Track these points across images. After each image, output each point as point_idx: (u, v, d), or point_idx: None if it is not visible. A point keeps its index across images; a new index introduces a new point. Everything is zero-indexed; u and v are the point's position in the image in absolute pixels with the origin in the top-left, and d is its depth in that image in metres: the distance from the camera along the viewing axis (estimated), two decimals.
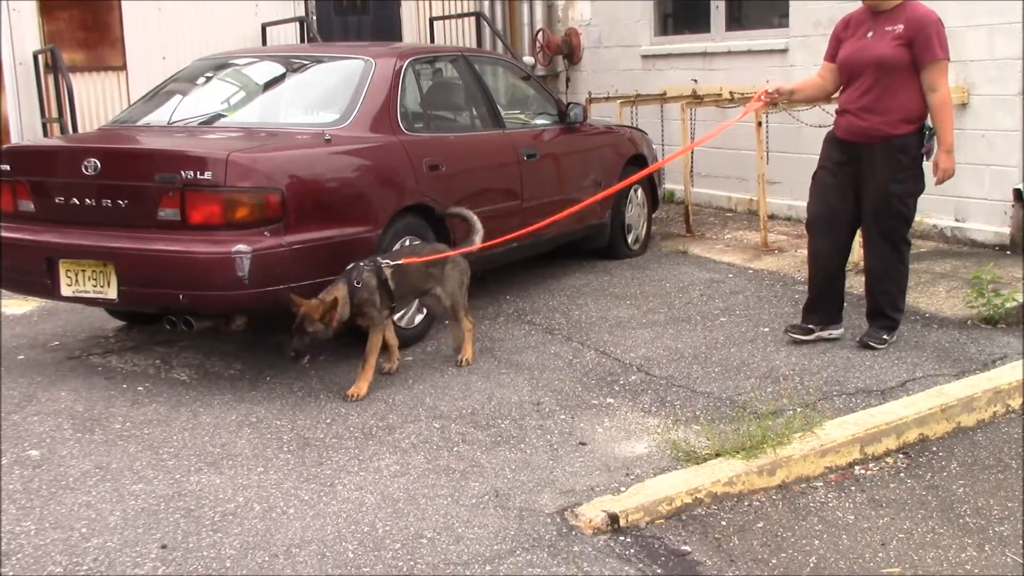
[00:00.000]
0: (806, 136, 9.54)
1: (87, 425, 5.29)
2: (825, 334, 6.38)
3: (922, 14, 5.90)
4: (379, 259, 5.79)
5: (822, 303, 6.38)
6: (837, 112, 6.22)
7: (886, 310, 6.25)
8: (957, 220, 8.78)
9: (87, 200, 5.89)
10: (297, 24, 11.87)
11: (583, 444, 5.00)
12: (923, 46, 5.82)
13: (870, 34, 5.99)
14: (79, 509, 4.36)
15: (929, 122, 5.95)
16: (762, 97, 6.28)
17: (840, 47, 6.16)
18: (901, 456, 4.95)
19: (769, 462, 4.62)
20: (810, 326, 6.40)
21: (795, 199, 10.04)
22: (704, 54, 11.07)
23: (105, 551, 4.01)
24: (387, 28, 12.82)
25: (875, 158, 5.98)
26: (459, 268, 6.21)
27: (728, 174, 10.82)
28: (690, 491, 4.42)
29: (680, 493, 4.40)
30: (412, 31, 12.97)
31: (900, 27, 5.87)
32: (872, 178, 6.00)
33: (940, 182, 6.07)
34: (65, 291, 5.95)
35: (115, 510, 4.34)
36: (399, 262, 5.80)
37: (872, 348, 6.20)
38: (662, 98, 10.80)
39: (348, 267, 5.71)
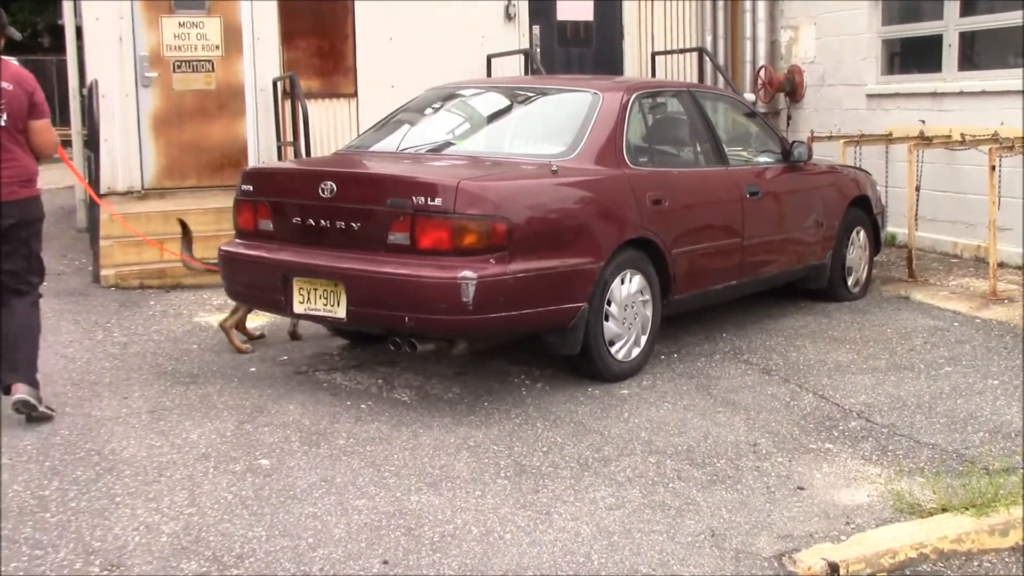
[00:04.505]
0: None
1: (313, 439, 5.49)
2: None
3: None
4: None
5: None
6: None
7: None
8: None
9: (322, 221, 6.12)
10: (521, 56, 12.07)
11: (801, 488, 4.91)
12: None
13: None
14: (306, 519, 4.52)
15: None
16: None
17: None
18: None
19: (1002, 522, 4.43)
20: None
21: None
22: (933, 94, 10.73)
23: (330, 562, 4.15)
24: (609, 62, 12.91)
25: None
26: None
27: (954, 219, 10.45)
28: (915, 545, 4.28)
29: (904, 546, 4.26)
30: (634, 65, 13.02)
31: None
32: None
33: None
34: (297, 308, 6.18)
35: (339, 523, 4.49)
36: None
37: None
38: (888, 138, 10.53)
39: None
